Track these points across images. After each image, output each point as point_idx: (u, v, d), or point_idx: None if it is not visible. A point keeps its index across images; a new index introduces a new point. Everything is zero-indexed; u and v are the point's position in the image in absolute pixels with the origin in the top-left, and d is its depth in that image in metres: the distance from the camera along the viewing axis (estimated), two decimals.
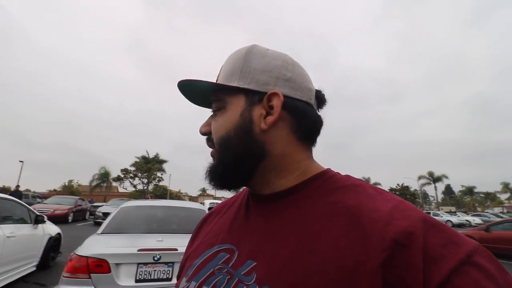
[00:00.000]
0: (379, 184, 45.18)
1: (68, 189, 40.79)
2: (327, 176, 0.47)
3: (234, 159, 0.46)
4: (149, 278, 2.40)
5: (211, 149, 0.51)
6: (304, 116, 0.47)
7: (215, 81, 0.51)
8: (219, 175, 0.48)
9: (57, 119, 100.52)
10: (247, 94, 0.47)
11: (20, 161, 27.57)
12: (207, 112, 0.54)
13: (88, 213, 15.52)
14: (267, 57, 0.48)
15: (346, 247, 0.35)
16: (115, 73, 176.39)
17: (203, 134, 0.52)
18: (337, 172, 0.49)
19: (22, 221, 4.21)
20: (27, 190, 30.14)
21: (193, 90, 0.51)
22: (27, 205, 4.56)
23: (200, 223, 0.64)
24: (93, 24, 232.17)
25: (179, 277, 0.56)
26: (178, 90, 0.51)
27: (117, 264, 2.36)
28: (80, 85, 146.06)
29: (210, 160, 0.51)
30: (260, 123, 0.46)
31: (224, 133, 0.47)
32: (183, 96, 0.53)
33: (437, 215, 25.77)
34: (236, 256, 0.45)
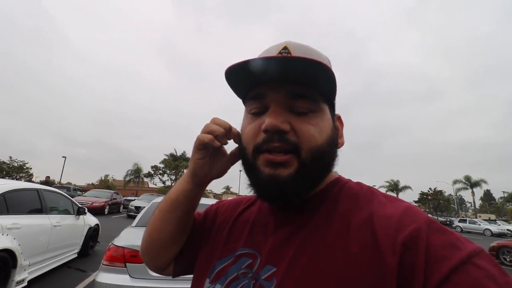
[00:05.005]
0: (409, 187, 42.79)
1: (104, 183, 42.88)
2: (341, 184, 0.48)
3: (322, 174, 0.45)
4: None
5: (279, 153, 0.41)
6: None
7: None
8: (298, 192, 0.43)
9: (95, 119, 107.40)
10: (331, 109, 0.47)
11: (63, 157, 29.63)
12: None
13: (122, 206, 16.46)
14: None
15: (360, 254, 0.37)
16: (147, 74, 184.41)
17: (280, 131, 0.41)
18: (349, 179, 0.51)
19: (66, 212, 4.57)
20: (69, 183, 32.57)
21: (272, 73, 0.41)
22: (70, 198, 4.95)
23: (214, 211, 0.62)
24: (127, 27, 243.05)
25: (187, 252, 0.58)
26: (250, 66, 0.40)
27: None
28: (115, 86, 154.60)
29: (269, 168, 0.42)
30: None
31: (321, 143, 0.43)
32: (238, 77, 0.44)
33: (474, 222, 23.92)
34: (259, 261, 0.45)
